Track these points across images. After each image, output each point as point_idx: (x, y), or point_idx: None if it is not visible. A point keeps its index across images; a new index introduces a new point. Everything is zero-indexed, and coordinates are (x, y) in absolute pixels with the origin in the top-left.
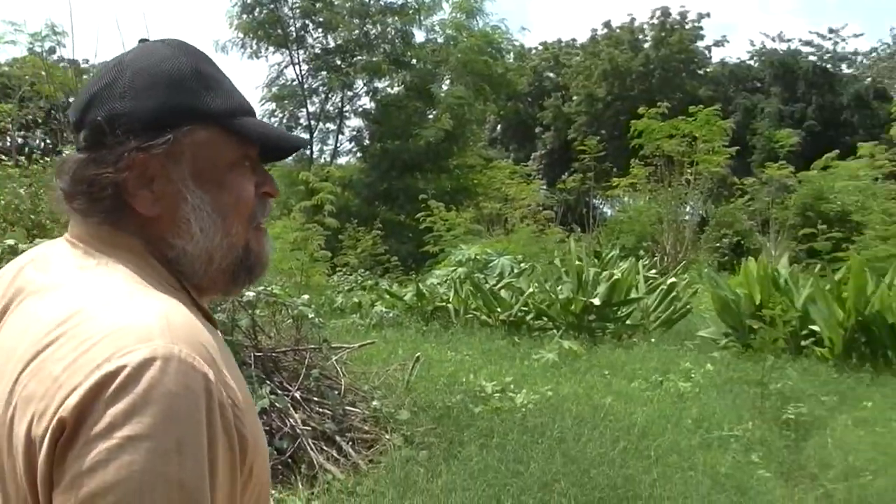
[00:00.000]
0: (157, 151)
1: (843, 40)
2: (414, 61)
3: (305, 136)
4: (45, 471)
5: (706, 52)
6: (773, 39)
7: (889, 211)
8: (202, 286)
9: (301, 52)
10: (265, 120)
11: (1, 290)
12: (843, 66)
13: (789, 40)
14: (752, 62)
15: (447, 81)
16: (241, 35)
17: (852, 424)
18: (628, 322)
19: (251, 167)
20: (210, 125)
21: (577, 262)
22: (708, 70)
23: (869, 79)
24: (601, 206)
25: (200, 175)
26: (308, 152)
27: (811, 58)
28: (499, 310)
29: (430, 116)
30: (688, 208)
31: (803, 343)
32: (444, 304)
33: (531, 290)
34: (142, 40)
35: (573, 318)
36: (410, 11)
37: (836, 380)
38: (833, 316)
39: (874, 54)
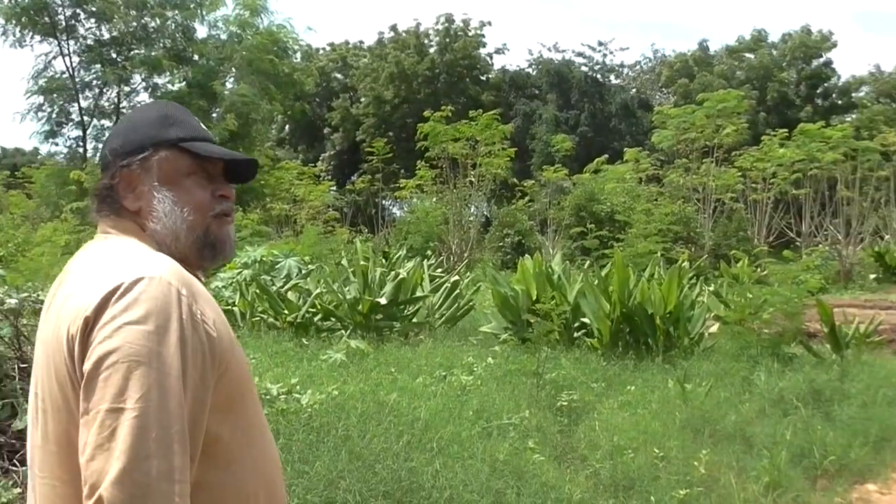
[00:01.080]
0: (135, 167)
1: (612, 53)
2: (196, 57)
3: (77, 132)
4: (79, 352)
5: (488, 58)
6: (550, 49)
7: (650, 211)
8: (181, 259)
9: (72, 42)
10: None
11: (57, 283)
12: (612, 77)
13: (564, 51)
14: (530, 70)
15: (231, 80)
16: (1, 21)
17: (617, 407)
18: (414, 320)
19: (207, 176)
20: (169, 147)
21: (363, 263)
22: (490, 76)
23: (634, 90)
24: (391, 208)
25: (164, 180)
26: (81, 150)
27: (583, 68)
28: (286, 312)
29: (214, 115)
30: (472, 209)
31: (576, 334)
32: (229, 307)
33: (319, 291)
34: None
35: (361, 318)
36: (191, 6)
37: (604, 367)
38: (601, 308)
39: (638, 67)
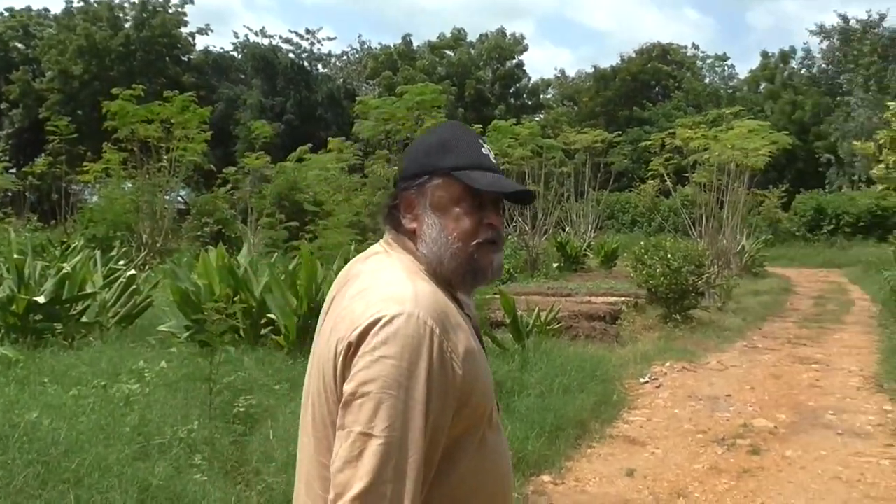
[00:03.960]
0: (413, 191)
1: (319, 42)
2: None
3: None
4: (341, 370)
5: (190, 38)
6: (256, 34)
7: (349, 200)
8: (445, 281)
9: None
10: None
11: (342, 279)
12: (319, 66)
13: (271, 36)
14: (235, 53)
15: None
16: None
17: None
18: (83, 320)
19: (477, 204)
20: (443, 175)
21: (17, 256)
22: (192, 57)
23: (341, 80)
24: (81, 193)
25: (435, 206)
26: None
27: (290, 55)
28: None
29: None
30: (167, 196)
31: (262, 332)
32: None
33: None
34: None
35: (16, 320)
36: None
37: (290, 367)
38: (287, 304)
39: (345, 57)
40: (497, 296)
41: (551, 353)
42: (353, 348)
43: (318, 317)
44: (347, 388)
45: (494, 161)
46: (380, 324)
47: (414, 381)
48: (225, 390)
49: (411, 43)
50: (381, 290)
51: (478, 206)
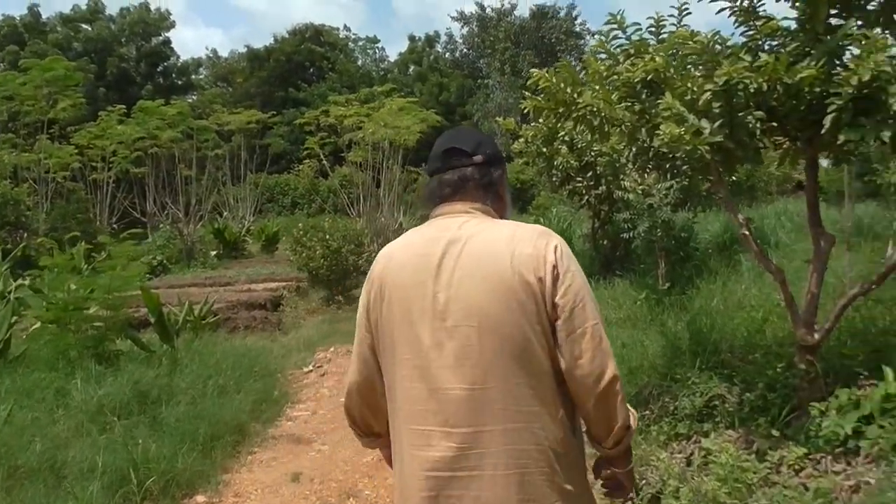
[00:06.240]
0: (502, 173)
1: None
2: None
3: None
4: (550, 289)
5: None
6: None
7: None
8: None
9: None
10: None
11: (440, 245)
12: None
13: None
14: None
15: None
16: None
17: None
18: None
19: None
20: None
21: None
22: None
23: None
24: None
25: (505, 187)
26: None
27: None
28: None
29: None
30: None
31: None
32: None
33: None
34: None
35: None
36: None
37: None
38: None
39: None
40: (139, 293)
41: (205, 350)
42: (557, 269)
43: None
44: (565, 300)
45: None
46: (561, 248)
47: (587, 283)
48: None
49: (39, 14)
50: (529, 231)
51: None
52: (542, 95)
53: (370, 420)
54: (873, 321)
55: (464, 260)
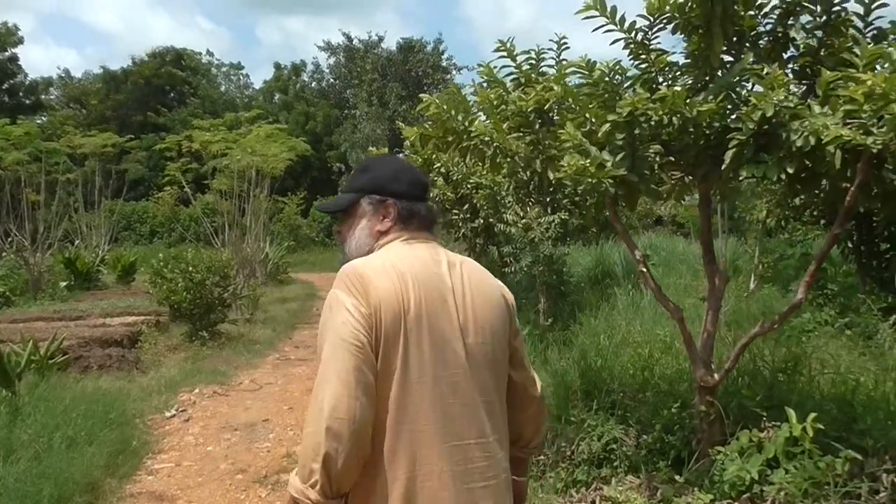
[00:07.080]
0: None
1: None
2: None
3: None
4: (513, 314)
5: None
6: None
7: None
8: None
9: None
10: None
11: (443, 266)
12: None
13: None
14: None
15: None
16: None
17: None
18: None
19: None
20: None
21: None
22: None
23: None
24: None
25: None
26: None
27: None
28: None
29: None
30: None
31: None
32: None
33: None
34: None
35: None
36: None
37: None
38: None
39: None
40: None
41: (52, 396)
42: (511, 305)
43: None
44: (517, 323)
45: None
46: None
47: None
48: None
49: None
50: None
51: None
52: (429, 123)
53: (353, 472)
54: (763, 359)
55: (467, 281)
